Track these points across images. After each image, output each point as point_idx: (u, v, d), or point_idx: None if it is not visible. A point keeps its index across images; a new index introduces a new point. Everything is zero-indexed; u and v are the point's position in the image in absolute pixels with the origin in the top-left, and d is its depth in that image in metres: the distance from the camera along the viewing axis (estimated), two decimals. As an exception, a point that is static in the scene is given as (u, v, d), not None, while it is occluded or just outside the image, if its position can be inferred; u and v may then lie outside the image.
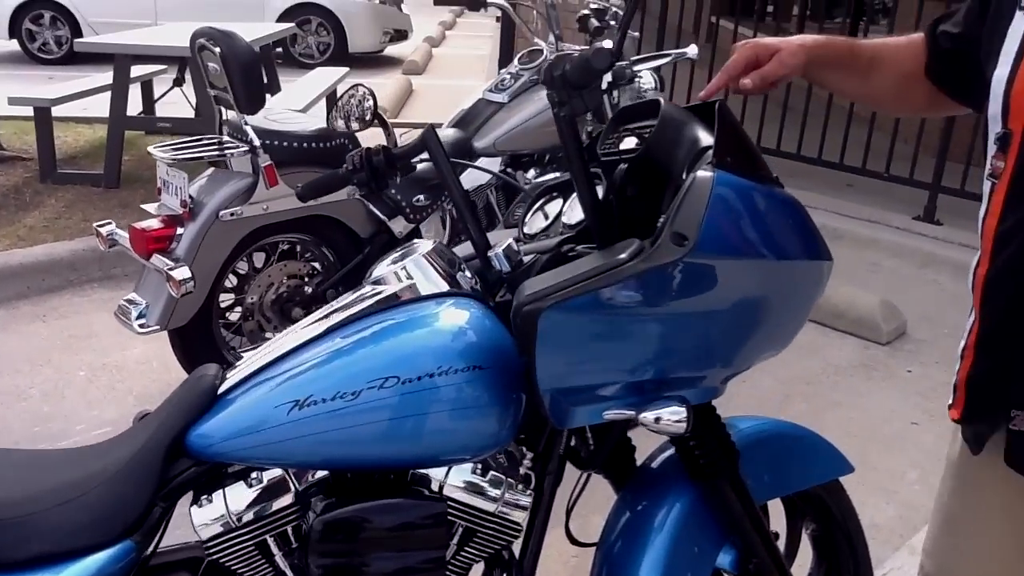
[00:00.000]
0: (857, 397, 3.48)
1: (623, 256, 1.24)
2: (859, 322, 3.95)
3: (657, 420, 1.27)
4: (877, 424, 3.29)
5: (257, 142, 2.69)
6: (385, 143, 2.35)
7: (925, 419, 3.32)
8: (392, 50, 12.15)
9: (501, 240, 1.45)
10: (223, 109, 2.83)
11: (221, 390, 1.35)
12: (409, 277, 1.41)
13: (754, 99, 5.38)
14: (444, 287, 1.40)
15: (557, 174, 3.20)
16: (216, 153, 2.68)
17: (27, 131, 5.55)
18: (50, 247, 4.28)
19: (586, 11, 3.27)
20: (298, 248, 3.08)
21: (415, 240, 1.52)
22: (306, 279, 3.02)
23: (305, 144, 2.79)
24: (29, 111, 5.23)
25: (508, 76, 3.33)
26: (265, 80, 6.49)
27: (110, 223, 2.73)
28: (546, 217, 1.62)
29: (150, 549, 1.41)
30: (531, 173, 3.26)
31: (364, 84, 1.77)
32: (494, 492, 1.38)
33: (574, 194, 1.49)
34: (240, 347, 2.96)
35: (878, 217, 5.11)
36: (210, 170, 2.79)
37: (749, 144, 1.43)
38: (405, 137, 6.06)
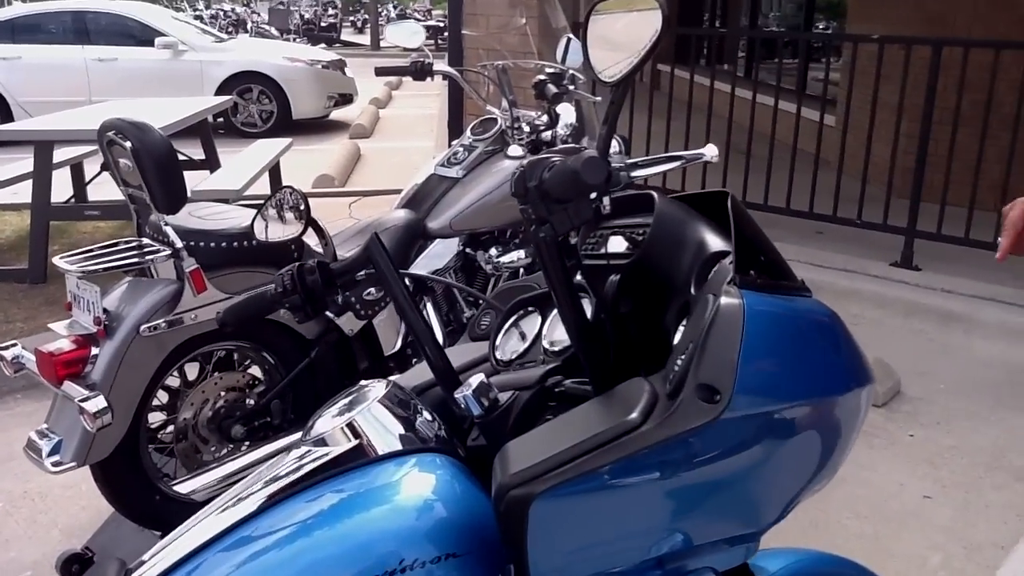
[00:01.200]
0: (860, 470, 3.21)
1: (633, 416, 0.96)
2: (851, 385, 3.69)
3: None
4: (886, 500, 3.01)
5: (180, 244, 2.37)
6: (323, 253, 2.06)
7: (938, 491, 3.05)
8: (338, 114, 11.94)
9: (464, 355, 1.19)
10: (139, 210, 2.51)
11: (120, 592, 1.04)
12: (358, 435, 1.12)
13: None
14: (403, 441, 1.12)
15: (522, 252, 2.93)
16: (135, 261, 2.36)
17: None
18: (-35, 357, 3.89)
19: (542, 76, 3.01)
20: (235, 356, 2.75)
21: (364, 382, 1.23)
22: (247, 390, 2.68)
23: (235, 243, 2.45)
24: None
25: (461, 149, 3.06)
26: (204, 157, 6.32)
27: (15, 344, 2.38)
28: (522, 338, 1.35)
29: None
30: (492, 251, 2.97)
31: (294, 186, 1.48)
32: None
33: (555, 310, 1.23)
34: (175, 474, 2.60)
35: (854, 265, 4.90)
36: (128, 279, 2.46)
37: (769, 245, 1.17)
38: (355, 207, 5.77)
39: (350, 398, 1.21)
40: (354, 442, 1.12)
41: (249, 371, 2.76)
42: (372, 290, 2.62)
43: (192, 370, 2.72)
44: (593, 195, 1.02)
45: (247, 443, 2.65)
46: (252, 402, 2.65)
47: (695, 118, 5.40)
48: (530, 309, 1.37)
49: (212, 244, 2.43)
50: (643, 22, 0.99)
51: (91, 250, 2.39)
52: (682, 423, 0.93)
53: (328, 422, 1.16)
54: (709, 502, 1.02)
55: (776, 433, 1.01)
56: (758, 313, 0.98)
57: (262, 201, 1.55)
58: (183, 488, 2.51)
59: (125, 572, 1.09)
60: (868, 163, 5.00)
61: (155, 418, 2.68)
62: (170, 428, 2.65)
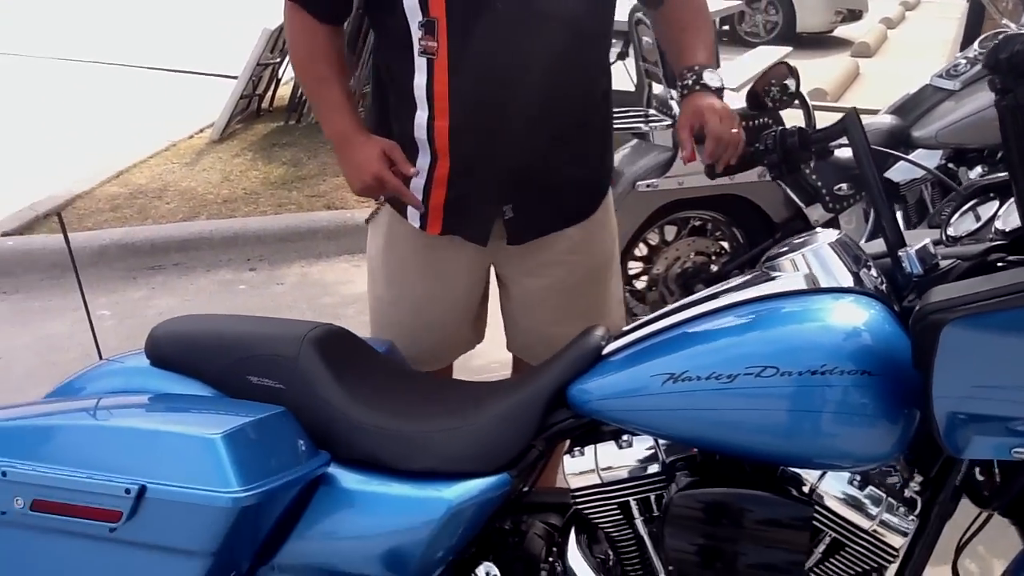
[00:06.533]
0: None
1: None
2: None
3: None
4: None
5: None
6: (803, 125, 2.25)
7: None
8: (843, 31, 11.53)
9: (917, 239, 1.32)
10: (652, 83, 2.91)
11: (605, 351, 1.40)
12: (807, 266, 1.34)
13: None
14: (845, 282, 1.31)
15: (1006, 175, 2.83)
16: (640, 125, 2.77)
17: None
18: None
19: (1074, -8, 2.82)
20: (709, 226, 3.09)
21: (819, 229, 1.45)
22: (713, 257, 3.02)
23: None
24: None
25: (963, 61, 3.00)
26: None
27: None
28: (977, 219, 1.45)
29: (526, 487, 1.53)
30: (976, 171, 2.90)
31: (788, 62, 1.70)
32: (871, 509, 1.27)
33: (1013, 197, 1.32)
34: (641, 315, 3.05)
35: None
36: (633, 141, 2.89)
37: None
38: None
39: (804, 238, 1.43)
40: (802, 272, 1.33)
41: (719, 241, 3.10)
42: (844, 186, 2.80)
43: (670, 233, 3.12)
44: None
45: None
46: (715, 269, 2.98)
47: None
48: (991, 195, 1.47)
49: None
50: None
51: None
52: None
53: (783, 253, 1.41)
54: None
55: None
56: None
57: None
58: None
59: (609, 336, 1.46)
60: None
61: (634, 267, 3.14)
62: (644, 278, 3.09)
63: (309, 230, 4.34)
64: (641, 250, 3.08)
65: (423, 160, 1.66)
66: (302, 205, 4.65)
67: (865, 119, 3.03)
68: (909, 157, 2.75)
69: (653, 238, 3.07)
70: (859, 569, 1.32)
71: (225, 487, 1.24)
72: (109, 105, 7.29)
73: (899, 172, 2.91)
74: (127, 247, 4.18)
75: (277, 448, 1.35)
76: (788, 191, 2.80)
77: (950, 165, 2.97)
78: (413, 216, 1.73)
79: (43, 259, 4.07)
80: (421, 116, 1.61)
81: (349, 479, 1.42)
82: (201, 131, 6.11)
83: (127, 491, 1.25)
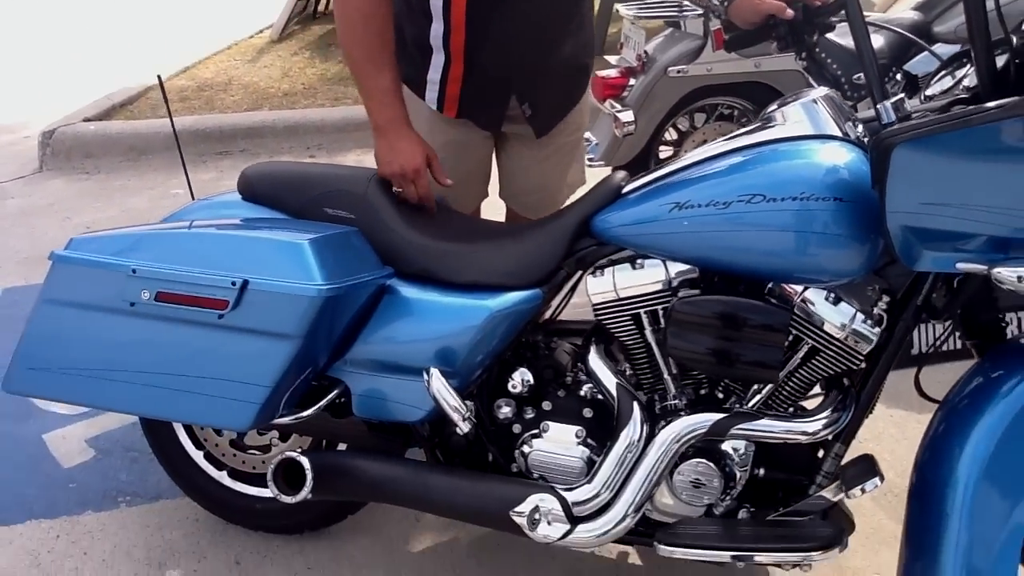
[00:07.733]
0: None
1: (993, 104, 1.24)
2: None
3: (1021, 280, 1.24)
4: None
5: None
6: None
7: None
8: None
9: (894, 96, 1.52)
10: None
11: (625, 189, 1.65)
12: (797, 116, 1.56)
13: None
14: (829, 130, 1.51)
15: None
16: (674, 15, 2.98)
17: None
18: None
19: None
20: (736, 113, 3.29)
21: (809, 88, 1.66)
22: (740, 143, 3.23)
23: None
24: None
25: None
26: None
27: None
28: (953, 79, 1.65)
29: (555, 312, 1.80)
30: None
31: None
32: (842, 320, 1.49)
33: None
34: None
35: None
36: (667, 30, 3.09)
37: None
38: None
39: (796, 94, 1.65)
40: (792, 121, 1.55)
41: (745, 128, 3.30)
42: (862, 75, 2.92)
43: (699, 120, 3.33)
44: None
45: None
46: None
47: None
48: (964, 61, 1.66)
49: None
50: None
51: (644, 4, 3.06)
52: None
53: (777, 107, 1.63)
54: None
55: None
56: None
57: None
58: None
59: (629, 179, 1.70)
60: None
61: (664, 151, 3.36)
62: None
63: (365, 121, 4.56)
64: (671, 134, 3.30)
65: (437, 59, 1.87)
66: (358, 99, 4.89)
67: (888, 13, 3.21)
68: (929, 47, 2.88)
69: (683, 124, 3.28)
70: (832, 372, 1.56)
71: (311, 281, 1.54)
72: (174, 6, 7.57)
73: (919, 65, 3.06)
74: (197, 133, 4.49)
75: (352, 256, 1.65)
76: (810, 79, 2.96)
77: (966, 60, 3.10)
78: (431, 99, 1.93)
79: (121, 142, 4.42)
80: (437, 28, 1.82)
81: (408, 290, 1.71)
82: (260, 32, 6.38)
83: (233, 283, 1.55)
